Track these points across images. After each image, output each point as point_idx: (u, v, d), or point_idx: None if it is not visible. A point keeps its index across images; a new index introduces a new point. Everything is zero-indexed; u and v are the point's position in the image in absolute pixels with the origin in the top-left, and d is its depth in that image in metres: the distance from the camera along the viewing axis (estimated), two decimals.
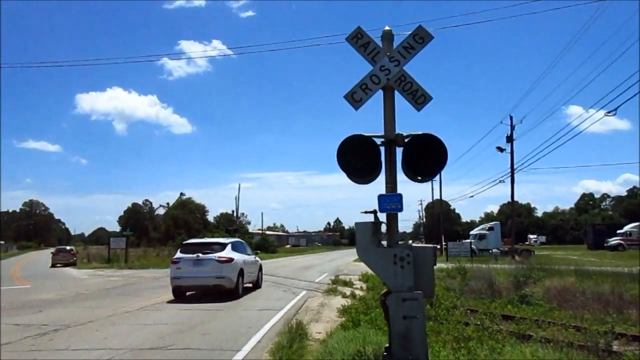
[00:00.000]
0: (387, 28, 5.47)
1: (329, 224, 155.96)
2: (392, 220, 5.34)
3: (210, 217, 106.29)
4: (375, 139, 5.23)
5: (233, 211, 56.42)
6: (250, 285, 16.52)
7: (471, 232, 48.92)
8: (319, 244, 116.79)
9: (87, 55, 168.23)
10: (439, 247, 41.29)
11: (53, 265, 38.02)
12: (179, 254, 14.80)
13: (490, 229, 45.02)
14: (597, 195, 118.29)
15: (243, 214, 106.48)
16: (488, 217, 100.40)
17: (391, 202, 5.28)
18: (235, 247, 15.38)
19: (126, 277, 25.16)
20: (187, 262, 14.11)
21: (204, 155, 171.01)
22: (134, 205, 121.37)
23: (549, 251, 51.16)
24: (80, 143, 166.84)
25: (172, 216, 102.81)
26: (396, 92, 5.38)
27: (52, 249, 45.33)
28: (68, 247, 43.07)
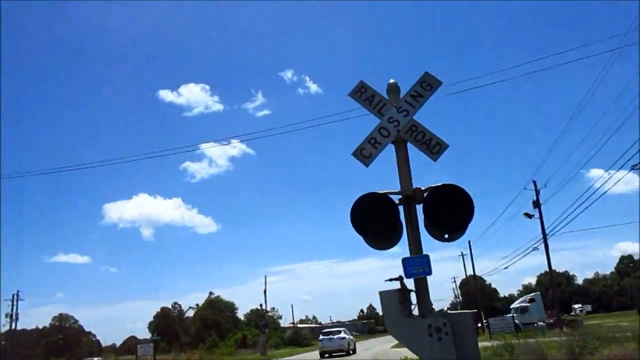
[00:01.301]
0: (392, 81, 5.21)
1: (362, 311, 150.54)
2: (421, 286, 4.72)
3: (241, 314, 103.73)
4: (391, 197, 4.77)
5: (261, 305, 54.73)
6: (352, 349, 33.54)
7: (512, 306, 46.18)
8: (357, 333, 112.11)
9: (113, 169, 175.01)
10: (479, 324, 38.82)
11: None
12: (321, 336, 33.46)
13: (532, 300, 42.47)
14: (635, 257, 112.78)
15: (274, 308, 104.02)
16: (526, 289, 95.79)
17: (417, 265, 4.70)
18: (345, 331, 34.29)
19: None
20: (326, 339, 32.57)
21: (230, 253, 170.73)
22: (163, 309, 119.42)
23: (597, 320, 47.81)
24: (109, 252, 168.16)
25: (202, 317, 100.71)
26: (410, 146, 4.99)
27: None
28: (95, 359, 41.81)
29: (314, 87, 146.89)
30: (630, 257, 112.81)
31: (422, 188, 4.80)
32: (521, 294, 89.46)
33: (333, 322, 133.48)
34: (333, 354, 31.64)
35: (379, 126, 4.86)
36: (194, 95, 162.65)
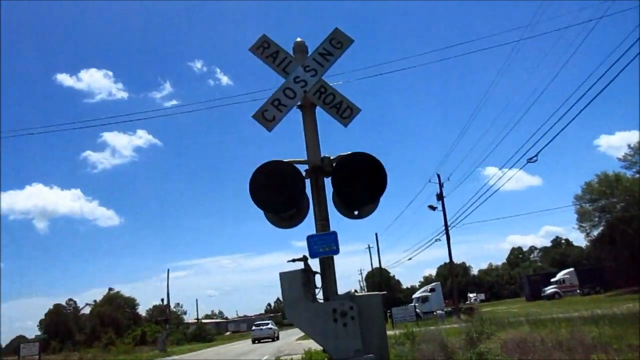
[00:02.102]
0: (298, 39, 4.61)
1: (269, 305, 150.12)
2: (328, 267, 4.21)
3: (142, 311, 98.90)
4: (298, 167, 4.20)
5: (163, 300, 52.29)
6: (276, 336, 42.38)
7: (413, 296, 48.09)
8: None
9: (3, 155, 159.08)
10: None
11: None
12: (254, 327, 43.29)
13: (432, 290, 44.46)
14: (525, 249, 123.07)
15: (178, 303, 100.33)
16: (427, 281, 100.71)
17: (324, 243, 4.17)
18: (271, 323, 45.04)
19: None
20: (257, 329, 42.21)
21: (133, 247, 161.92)
22: (56, 306, 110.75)
23: (490, 307, 51.16)
24: None
25: (99, 314, 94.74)
26: (319, 112, 4.44)
27: None
28: None
29: (224, 79, 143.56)
30: (519, 248, 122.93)
31: (332, 157, 4.28)
32: (422, 284, 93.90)
33: (240, 317, 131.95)
34: (261, 340, 41.15)
35: (283, 86, 4.25)
36: (96, 81, 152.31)
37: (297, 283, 3.96)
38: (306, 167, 4.31)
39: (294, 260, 4.53)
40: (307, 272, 4.12)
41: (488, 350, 11.53)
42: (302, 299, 3.92)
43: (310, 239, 4.20)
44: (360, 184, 3.98)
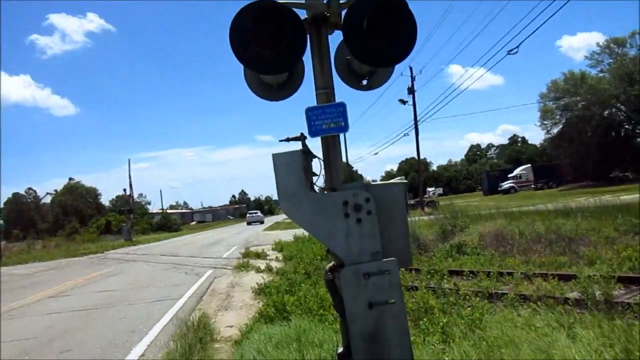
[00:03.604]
0: None
1: (234, 196, 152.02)
2: (333, 149, 3.27)
3: (105, 201, 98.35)
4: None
5: (125, 190, 51.32)
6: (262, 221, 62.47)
7: None
8: (232, 217, 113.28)
9: None
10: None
11: None
12: (248, 214, 71.44)
13: None
14: (483, 146, 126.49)
15: (142, 194, 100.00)
16: (389, 175, 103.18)
17: (329, 117, 3.18)
18: (259, 213, 71.68)
19: None
20: (250, 215, 67.15)
21: (92, 138, 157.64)
22: (15, 195, 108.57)
23: (449, 200, 52.87)
24: None
25: (60, 203, 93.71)
26: None
27: None
28: None
29: None
30: (478, 146, 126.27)
31: (341, 1, 3.14)
32: (384, 179, 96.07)
33: (204, 208, 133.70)
34: (252, 223, 60.30)
35: None
36: None
37: (295, 167, 3.02)
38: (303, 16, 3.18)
39: (288, 140, 3.54)
40: (307, 154, 3.18)
41: (465, 243, 11.33)
42: (303, 188, 3.01)
43: (310, 112, 3.21)
44: (384, 36, 2.91)
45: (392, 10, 2.88)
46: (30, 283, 15.68)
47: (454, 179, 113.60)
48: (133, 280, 13.14)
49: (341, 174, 3.33)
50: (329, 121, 3.20)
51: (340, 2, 3.13)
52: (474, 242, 11.31)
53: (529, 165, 60.91)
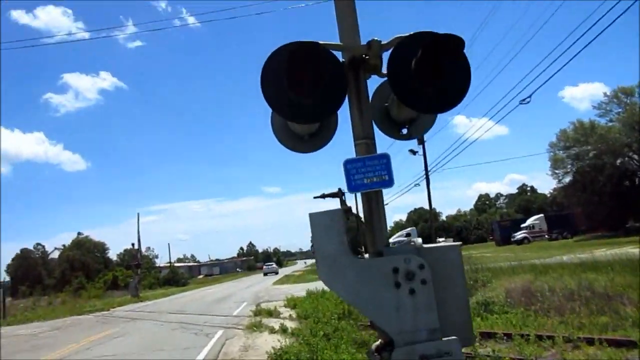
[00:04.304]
0: None
1: (242, 249, 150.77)
2: (376, 207, 2.88)
3: (113, 255, 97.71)
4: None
5: (133, 244, 50.83)
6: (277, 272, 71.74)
7: (390, 240, 47.97)
8: (241, 270, 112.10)
9: None
10: None
11: None
12: (264, 266, 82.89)
13: (408, 235, 44.38)
14: (491, 196, 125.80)
15: (149, 247, 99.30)
16: (397, 226, 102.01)
17: (371, 171, 2.82)
18: (275, 264, 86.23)
19: None
20: (266, 266, 78.67)
21: (101, 192, 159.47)
22: (24, 251, 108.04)
23: (462, 251, 51.77)
24: None
25: (68, 258, 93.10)
26: None
27: None
28: None
29: (191, 20, 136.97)
30: (487, 195, 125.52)
31: (383, 42, 2.84)
32: (393, 230, 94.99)
33: (212, 260, 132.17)
34: (268, 274, 67.62)
35: None
36: (54, 19, 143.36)
37: (336, 228, 2.62)
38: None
39: (324, 196, 3.17)
40: (348, 212, 2.78)
41: (491, 300, 10.68)
42: (345, 252, 2.60)
43: (349, 165, 2.84)
44: (435, 79, 2.56)
45: (445, 51, 2.54)
46: (32, 346, 14.99)
47: (464, 229, 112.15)
48: (139, 343, 12.46)
49: (385, 235, 2.93)
50: (370, 175, 2.82)
51: (382, 42, 2.83)
52: (500, 298, 10.65)
53: (542, 215, 60.03)
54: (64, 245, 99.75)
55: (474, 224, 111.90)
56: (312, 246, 2.69)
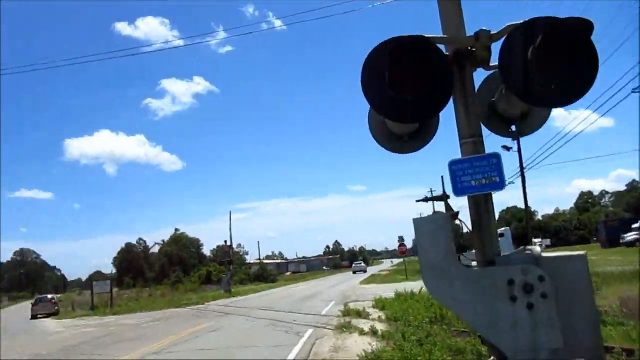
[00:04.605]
0: None
1: (328, 247, 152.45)
2: (486, 213, 2.65)
3: (207, 251, 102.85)
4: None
5: (226, 241, 53.10)
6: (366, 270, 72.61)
7: None
8: (327, 268, 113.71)
9: (71, 101, 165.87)
10: None
11: (34, 317, 34.25)
12: (354, 264, 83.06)
13: (501, 235, 42.13)
14: (595, 194, 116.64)
15: (240, 244, 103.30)
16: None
17: (479, 172, 2.60)
18: (363, 263, 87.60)
19: (105, 326, 22.03)
20: (356, 265, 79.67)
21: (196, 190, 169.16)
22: (128, 245, 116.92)
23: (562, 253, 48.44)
24: (73, 188, 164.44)
25: (167, 253, 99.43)
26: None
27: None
28: (49, 296, 39.26)
29: (278, 23, 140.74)
30: (590, 193, 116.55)
31: (492, 32, 2.60)
32: None
33: (299, 258, 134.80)
34: (357, 272, 68.75)
35: None
36: (153, 30, 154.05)
37: (443, 235, 2.44)
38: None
39: (426, 200, 3.00)
40: (455, 217, 2.58)
41: (603, 309, 9.76)
42: (453, 261, 2.40)
43: (455, 166, 2.64)
44: (555, 70, 2.28)
45: (570, 37, 2.26)
46: (137, 335, 16.09)
47: (564, 229, 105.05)
48: (234, 338, 12.89)
49: (497, 242, 2.69)
50: (479, 177, 2.60)
51: (492, 32, 2.59)
52: (613, 307, 9.72)
53: None
54: (163, 241, 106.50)
55: (574, 224, 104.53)
56: (417, 252, 2.53)
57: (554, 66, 2.27)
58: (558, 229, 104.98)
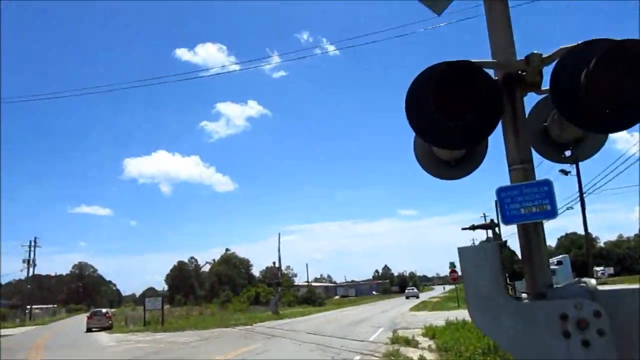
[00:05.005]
0: None
1: (377, 271, 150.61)
2: (536, 241, 2.53)
3: (256, 271, 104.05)
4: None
5: (274, 262, 53.52)
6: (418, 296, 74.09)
7: None
8: (376, 293, 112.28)
9: (132, 122, 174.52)
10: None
11: (88, 330, 35.53)
12: (407, 290, 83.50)
13: (559, 263, 40.21)
14: None
15: (289, 266, 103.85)
16: (547, 253, 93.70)
17: (530, 200, 2.49)
18: (415, 289, 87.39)
19: (156, 342, 22.53)
20: (408, 290, 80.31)
21: (247, 211, 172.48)
22: (180, 263, 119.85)
23: (626, 284, 45.62)
24: (130, 206, 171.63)
25: (217, 272, 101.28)
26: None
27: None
28: (104, 310, 40.60)
29: (331, 48, 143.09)
30: None
31: (543, 55, 2.52)
32: None
33: (348, 282, 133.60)
34: (410, 297, 69.34)
35: None
36: (211, 55, 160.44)
37: (491, 265, 2.34)
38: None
39: (473, 228, 2.90)
40: (504, 246, 2.48)
41: None
42: (502, 293, 2.30)
43: (503, 193, 2.55)
44: (609, 93, 2.18)
45: (626, 60, 2.15)
46: (185, 354, 16.35)
47: (628, 257, 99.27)
48: None
49: (548, 273, 2.56)
50: (529, 204, 2.50)
51: (543, 56, 2.51)
52: None
53: None
54: (213, 260, 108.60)
55: (639, 252, 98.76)
56: (463, 281, 2.44)
57: (608, 90, 2.17)
58: (621, 257, 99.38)
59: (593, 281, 2.34)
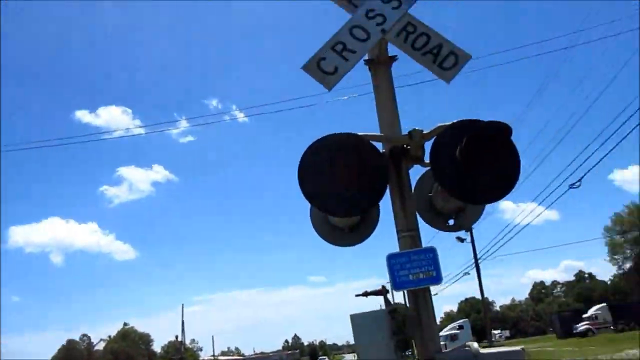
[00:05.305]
0: None
1: (287, 341, 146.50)
2: (424, 306, 2.64)
3: (157, 347, 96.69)
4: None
5: (177, 336, 50.32)
6: None
7: (441, 334, 45.44)
8: None
9: (22, 186, 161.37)
10: None
11: None
12: None
13: (460, 327, 41.91)
14: (547, 284, 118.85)
15: (194, 340, 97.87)
16: (449, 317, 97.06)
17: (417, 266, 2.63)
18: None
19: None
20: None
21: (149, 281, 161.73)
22: (70, 342, 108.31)
23: (520, 344, 48.18)
24: (12, 279, 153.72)
25: (113, 350, 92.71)
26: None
27: None
28: None
29: (240, 116, 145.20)
30: (542, 283, 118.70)
31: (424, 131, 2.76)
32: (444, 321, 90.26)
33: (256, 354, 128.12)
34: None
35: (350, 24, 2.76)
36: (114, 118, 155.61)
37: (381, 331, 2.39)
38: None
39: (366, 294, 3.10)
40: (394, 312, 2.56)
41: None
42: (393, 358, 2.35)
43: (392, 259, 2.67)
44: (483, 168, 2.43)
45: (490, 139, 2.42)
46: None
47: (521, 320, 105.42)
48: None
49: (436, 336, 2.66)
50: (416, 271, 2.63)
51: (424, 132, 2.75)
52: None
53: (605, 304, 55.76)
54: (109, 336, 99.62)
55: (530, 315, 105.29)
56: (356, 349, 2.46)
57: (479, 165, 2.41)
58: (515, 320, 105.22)
59: (475, 345, 2.46)
